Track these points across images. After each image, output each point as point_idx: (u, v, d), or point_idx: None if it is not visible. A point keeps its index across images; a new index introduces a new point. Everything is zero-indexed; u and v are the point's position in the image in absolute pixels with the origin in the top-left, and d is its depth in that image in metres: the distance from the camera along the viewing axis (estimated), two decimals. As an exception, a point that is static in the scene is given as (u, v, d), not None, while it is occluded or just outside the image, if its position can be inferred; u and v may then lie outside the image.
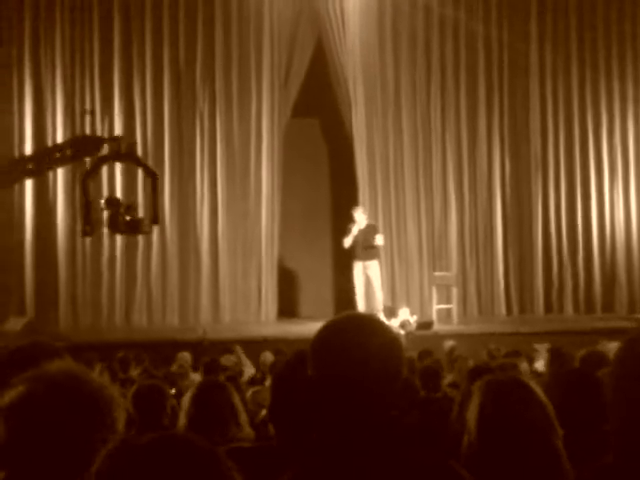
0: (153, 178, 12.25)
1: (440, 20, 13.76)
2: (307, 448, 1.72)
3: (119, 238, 12.81)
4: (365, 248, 12.00)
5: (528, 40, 13.98)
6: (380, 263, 12.32)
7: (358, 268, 12.11)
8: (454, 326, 12.03)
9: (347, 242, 12.01)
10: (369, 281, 12.15)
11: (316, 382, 1.73)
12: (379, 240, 12.12)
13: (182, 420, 3.68)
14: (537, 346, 8.71)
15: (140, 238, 12.90)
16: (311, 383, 1.74)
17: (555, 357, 5.34)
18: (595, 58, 14.11)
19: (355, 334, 1.73)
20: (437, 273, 12.96)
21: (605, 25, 14.16)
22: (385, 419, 1.69)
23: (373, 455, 1.65)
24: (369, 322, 1.80)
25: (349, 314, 1.82)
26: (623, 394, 1.39)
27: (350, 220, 12.02)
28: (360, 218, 12.10)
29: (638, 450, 1.39)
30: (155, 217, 12.19)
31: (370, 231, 12.12)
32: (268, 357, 8.09)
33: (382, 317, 12.03)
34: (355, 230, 11.98)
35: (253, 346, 9.79)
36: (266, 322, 13.01)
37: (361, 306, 12.07)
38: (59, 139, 12.80)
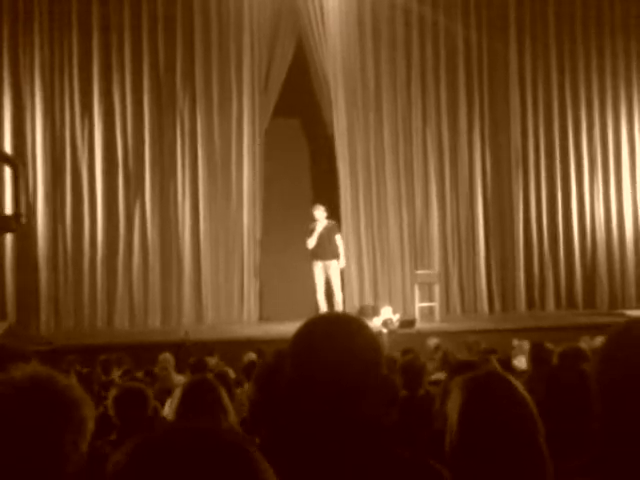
0: (14, 169, 11.59)
1: (419, 20, 13.80)
2: (288, 447, 1.71)
3: (100, 240, 12.77)
4: (326, 247, 12.04)
5: (507, 37, 14.06)
6: (339, 263, 12.33)
7: (318, 268, 12.15)
8: (437, 324, 12.04)
9: (312, 242, 12.06)
10: (329, 281, 12.17)
11: (294, 382, 1.71)
12: (339, 241, 12.21)
13: (170, 417, 3.64)
14: (516, 342, 8.73)
15: (121, 240, 12.85)
16: (290, 383, 1.72)
17: (536, 353, 5.36)
18: (574, 54, 14.19)
19: (333, 333, 1.72)
20: (419, 271, 12.97)
21: (583, 18, 14.24)
22: (364, 418, 1.68)
23: (352, 454, 1.64)
24: (347, 321, 1.79)
25: (328, 313, 1.83)
26: (610, 386, 1.38)
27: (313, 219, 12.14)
28: (321, 216, 12.16)
29: (624, 442, 1.39)
30: (17, 213, 11.35)
31: (331, 230, 12.17)
32: (252, 358, 8.08)
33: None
34: (319, 228, 12.02)
35: (235, 346, 9.77)
36: (248, 323, 12.99)
37: (322, 306, 12.10)
38: (38, 141, 12.71)
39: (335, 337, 1.71)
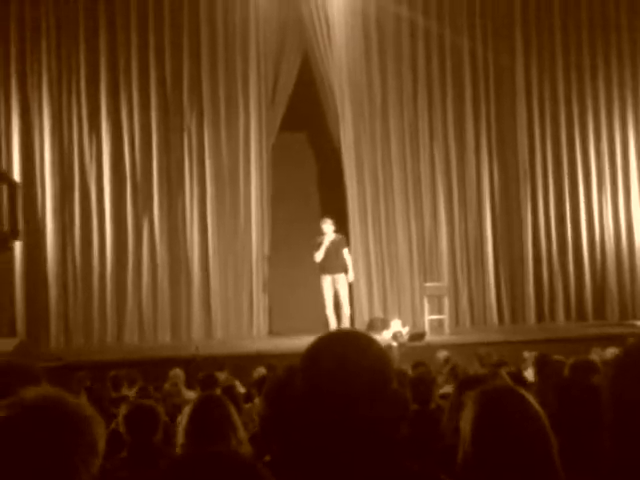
0: (10, 187, 11.55)
1: (425, 33, 13.83)
2: (299, 462, 1.71)
3: (109, 256, 12.79)
4: (334, 261, 12.01)
5: (513, 49, 14.08)
6: (347, 277, 12.31)
7: (327, 282, 12.12)
8: (446, 336, 12.01)
9: (319, 256, 12.03)
10: (337, 295, 12.15)
11: (306, 397, 1.72)
12: (346, 255, 12.20)
13: (180, 437, 3.63)
14: (526, 354, 8.70)
15: (130, 256, 12.87)
16: (301, 398, 1.73)
17: (542, 365, 5.33)
18: (580, 66, 14.20)
19: (343, 349, 1.75)
20: (428, 284, 12.95)
21: (590, 35, 14.27)
22: (375, 433, 1.68)
23: (363, 469, 1.65)
24: (358, 338, 1.81)
25: (339, 330, 1.84)
26: (623, 399, 1.37)
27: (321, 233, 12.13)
28: (329, 230, 12.14)
29: (636, 456, 1.37)
30: (14, 231, 11.29)
31: (339, 244, 12.16)
32: (262, 372, 8.06)
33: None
34: (327, 242, 12.01)
35: (245, 361, 9.76)
36: (258, 337, 12.97)
37: (331, 320, 12.07)
38: (47, 158, 12.75)
39: (345, 353, 1.74)
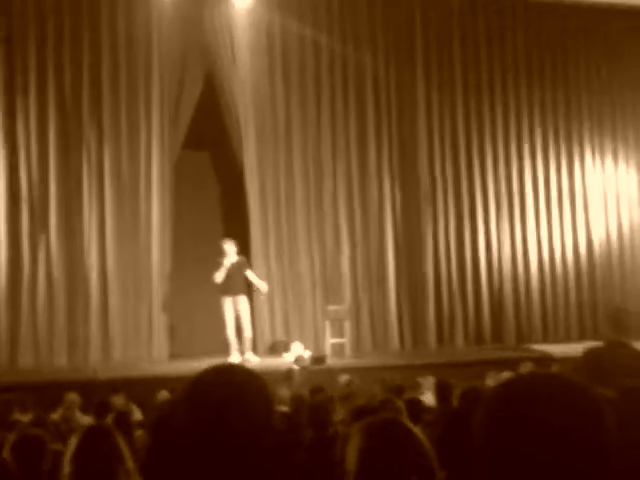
0: None
1: (329, 55, 13.95)
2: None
3: (3, 276, 12.40)
4: (236, 283, 11.95)
5: (414, 75, 14.31)
6: (249, 299, 12.28)
7: (228, 303, 12.02)
8: (347, 360, 12.05)
9: (219, 276, 11.92)
10: (239, 317, 12.08)
11: (185, 431, 1.71)
12: (250, 275, 12.18)
13: (66, 467, 3.53)
14: (420, 380, 8.79)
15: (25, 274, 12.49)
16: (180, 431, 1.72)
17: (441, 390, 5.40)
18: (479, 94, 14.56)
19: (224, 382, 1.74)
20: (330, 307, 12.97)
21: (488, 60, 14.66)
22: (256, 467, 1.68)
23: None
24: (239, 372, 1.81)
25: (220, 364, 1.83)
26: (495, 445, 1.37)
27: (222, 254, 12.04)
28: (231, 251, 12.07)
29: None
30: None
31: (241, 265, 12.11)
32: (165, 397, 7.94)
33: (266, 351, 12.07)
34: (228, 263, 11.94)
35: (146, 385, 9.59)
36: (158, 360, 12.76)
37: (232, 342, 11.97)
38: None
39: (226, 386, 1.73)
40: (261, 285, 12.36)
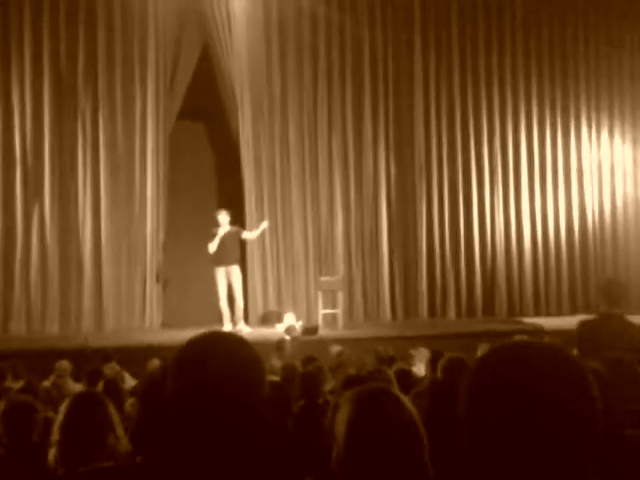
0: None
1: (326, 26, 13.87)
2: (168, 467, 1.68)
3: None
4: (228, 253, 11.94)
5: (412, 48, 14.24)
6: (241, 268, 12.27)
7: (221, 274, 12.00)
8: (340, 331, 12.08)
9: (213, 247, 11.91)
10: (231, 287, 12.08)
11: (174, 399, 1.70)
12: (248, 235, 12.18)
13: (55, 433, 3.54)
14: (412, 351, 8.82)
15: (19, 241, 12.47)
16: (171, 399, 1.71)
17: (435, 362, 5.41)
18: (476, 66, 14.50)
19: (215, 350, 1.74)
20: (323, 278, 12.99)
21: (486, 32, 14.57)
22: (245, 435, 1.68)
23: (230, 472, 1.64)
24: (230, 339, 1.80)
25: (211, 331, 1.82)
26: (478, 412, 1.37)
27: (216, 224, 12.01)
28: (224, 221, 12.05)
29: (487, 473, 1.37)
30: None
31: (234, 236, 12.09)
32: (156, 365, 7.94)
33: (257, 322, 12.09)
34: (221, 233, 11.92)
35: (138, 353, 9.60)
36: (150, 329, 12.79)
37: (225, 312, 11.98)
38: None
39: (216, 354, 1.73)
40: (260, 228, 12.36)
